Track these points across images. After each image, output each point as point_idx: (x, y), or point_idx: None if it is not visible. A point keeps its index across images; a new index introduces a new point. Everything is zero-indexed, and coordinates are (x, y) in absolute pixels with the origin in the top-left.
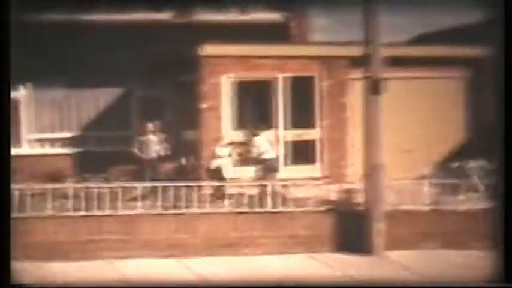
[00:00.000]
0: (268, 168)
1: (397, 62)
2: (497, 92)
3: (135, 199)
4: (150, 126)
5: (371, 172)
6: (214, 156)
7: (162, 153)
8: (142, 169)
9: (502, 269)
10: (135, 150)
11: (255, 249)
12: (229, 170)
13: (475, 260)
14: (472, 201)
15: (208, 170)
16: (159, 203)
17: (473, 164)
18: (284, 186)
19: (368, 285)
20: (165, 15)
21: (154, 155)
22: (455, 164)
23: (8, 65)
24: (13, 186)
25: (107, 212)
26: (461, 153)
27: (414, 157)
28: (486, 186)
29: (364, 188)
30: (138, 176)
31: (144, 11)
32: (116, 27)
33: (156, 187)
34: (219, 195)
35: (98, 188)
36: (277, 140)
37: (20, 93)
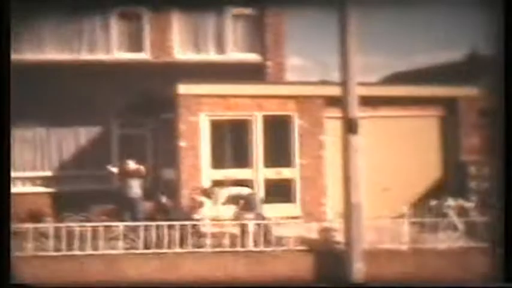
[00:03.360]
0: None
1: (373, 101)
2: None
3: (116, 238)
4: (130, 164)
5: (350, 211)
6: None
7: (141, 192)
8: (123, 208)
9: (502, 269)
10: (116, 189)
11: None
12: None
13: None
14: (451, 239)
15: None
16: (140, 242)
17: (451, 202)
18: (265, 225)
19: (366, 285)
20: (143, 55)
21: (134, 193)
22: (434, 203)
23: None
24: None
25: (89, 251)
26: (439, 191)
27: (392, 196)
28: (464, 224)
29: (344, 227)
30: (119, 215)
31: (123, 51)
32: (96, 67)
33: (137, 226)
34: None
35: (79, 227)
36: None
37: None
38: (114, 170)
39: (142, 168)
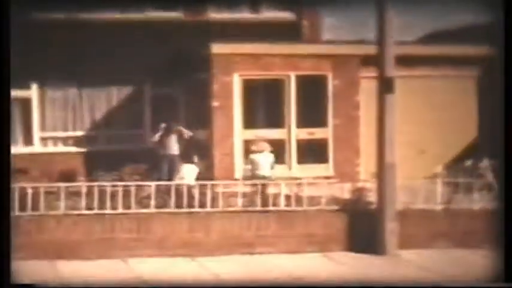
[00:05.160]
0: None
1: (409, 61)
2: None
3: (148, 197)
4: (168, 123)
5: (383, 171)
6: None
7: (177, 151)
8: (159, 166)
9: (502, 269)
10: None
11: (268, 248)
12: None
13: (487, 259)
14: (486, 200)
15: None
16: (172, 202)
17: (486, 163)
18: (297, 185)
19: (372, 285)
20: (177, 14)
21: (174, 150)
22: (468, 163)
23: (8, 65)
24: (26, 184)
25: (120, 210)
26: (474, 152)
27: (427, 156)
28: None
29: (377, 187)
30: (151, 174)
31: (156, 10)
32: (128, 26)
33: (169, 186)
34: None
35: (111, 186)
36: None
37: (32, 92)
38: (157, 136)
39: (184, 130)
